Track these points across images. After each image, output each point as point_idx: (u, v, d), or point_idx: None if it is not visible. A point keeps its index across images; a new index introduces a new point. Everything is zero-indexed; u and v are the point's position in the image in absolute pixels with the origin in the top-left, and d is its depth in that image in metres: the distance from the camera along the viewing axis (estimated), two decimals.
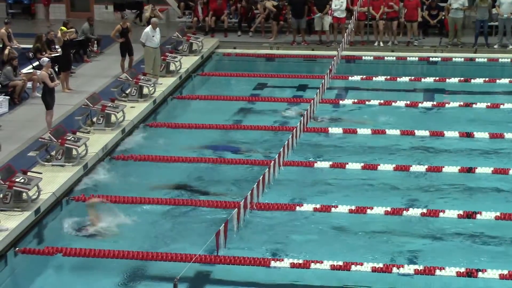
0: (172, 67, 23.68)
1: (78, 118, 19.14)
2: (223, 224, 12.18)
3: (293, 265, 13.67)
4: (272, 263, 13.72)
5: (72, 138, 17.35)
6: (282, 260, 13.80)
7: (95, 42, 26.08)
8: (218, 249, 12.09)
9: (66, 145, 17.07)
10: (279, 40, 27.38)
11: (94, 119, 19.25)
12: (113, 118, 19.35)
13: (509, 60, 25.22)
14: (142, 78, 21.53)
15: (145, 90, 21.46)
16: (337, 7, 26.77)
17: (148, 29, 22.74)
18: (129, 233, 14.86)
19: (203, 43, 26.04)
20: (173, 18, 29.82)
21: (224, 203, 15.83)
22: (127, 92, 21.36)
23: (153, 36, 22.55)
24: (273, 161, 14.67)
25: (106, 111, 19.18)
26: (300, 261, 13.72)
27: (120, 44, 23.41)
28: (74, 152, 17.27)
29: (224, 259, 13.70)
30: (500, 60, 25.30)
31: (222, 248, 12.14)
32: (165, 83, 22.68)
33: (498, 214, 15.14)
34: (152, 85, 21.67)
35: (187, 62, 24.54)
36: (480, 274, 13.27)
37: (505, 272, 13.26)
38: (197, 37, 26.21)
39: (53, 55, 23.11)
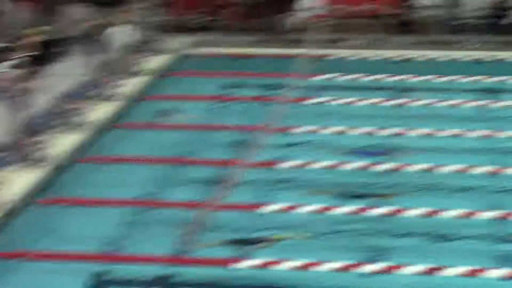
0: (142, 67, 23.60)
1: None
2: (189, 225, 12.19)
3: (255, 266, 13.67)
4: (235, 264, 13.74)
5: None
6: (245, 261, 13.81)
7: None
8: (183, 250, 12.11)
9: None
10: (249, 39, 27.27)
11: (62, 120, 19.11)
12: (82, 119, 19.18)
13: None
14: (110, 78, 21.47)
15: (114, 91, 21.36)
16: (309, 4, 26.73)
17: (116, 27, 22.66)
18: (92, 235, 14.85)
19: (172, 42, 25.95)
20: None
21: (190, 203, 15.83)
22: (95, 93, 21.21)
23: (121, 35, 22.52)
24: (240, 161, 14.68)
25: (75, 111, 19.10)
26: (263, 261, 13.74)
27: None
28: None
29: (188, 260, 13.71)
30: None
31: (187, 249, 12.15)
32: (134, 83, 22.50)
33: (461, 212, 15.23)
34: (121, 85, 21.57)
35: (157, 62, 24.48)
36: (442, 273, 13.36)
37: (467, 269, 13.37)
38: (167, 36, 26.12)
39: None
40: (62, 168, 17.24)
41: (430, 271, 13.26)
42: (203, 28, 28.07)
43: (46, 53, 24.91)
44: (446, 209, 15.20)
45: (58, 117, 18.98)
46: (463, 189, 16.42)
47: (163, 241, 14.18)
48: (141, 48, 25.11)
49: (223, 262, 13.71)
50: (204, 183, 16.96)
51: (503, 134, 19.05)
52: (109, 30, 22.67)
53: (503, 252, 14.07)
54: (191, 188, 16.82)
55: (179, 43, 26.41)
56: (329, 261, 13.59)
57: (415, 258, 13.67)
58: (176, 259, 13.65)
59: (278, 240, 14.34)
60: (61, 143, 18.02)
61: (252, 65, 25.47)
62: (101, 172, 17.62)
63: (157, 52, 25.24)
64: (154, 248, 13.97)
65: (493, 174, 16.88)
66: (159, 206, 16.03)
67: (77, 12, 30.21)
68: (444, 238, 14.66)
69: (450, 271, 13.29)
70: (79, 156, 18.12)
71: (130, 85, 22.17)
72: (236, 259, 13.80)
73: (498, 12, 25.58)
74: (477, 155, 18.03)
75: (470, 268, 13.31)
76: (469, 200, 15.96)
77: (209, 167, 17.67)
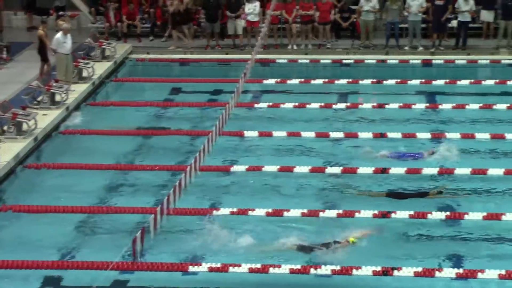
0: (85, 74, 23.37)
1: None
2: (140, 231, 12.08)
3: (211, 269, 13.63)
4: (190, 268, 13.67)
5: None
6: (200, 265, 13.76)
7: (5, 48, 25.56)
8: (135, 256, 11.98)
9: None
10: (193, 45, 27.30)
11: (5, 128, 18.86)
12: (24, 126, 19.00)
13: (419, 61, 25.67)
14: (54, 85, 21.19)
15: (58, 97, 21.13)
16: (250, 10, 26.87)
17: (59, 35, 22.39)
18: (43, 243, 14.61)
19: (116, 49, 25.79)
20: (84, 24, 29.42)
21: (140, 209, 15.70)
22: (38, 99, 20.98)
23: (64, 42, 22.23)
24: (189, 166, 14.63)
25: (17, 119, 18.83)
26: (219, 265, 13.69)
27: (42, 49, 22.96)
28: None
29: (142, 266, 13.59)
30: (410, 61, 25.72)
31: (139, 255, 12.04)
32: (78, 90, 22.36)
33: (412, 212, 15.38)
34: (65, 92, 21.34)
35: (100, 68, 24.25)
36: (395, 272, 13.46)
37: (419, 269, 13.50)
38: (109, 42, 25.96)
39: None
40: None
41: None
42: (145, 35, 27.94)
43: None
44: None
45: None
46: None
47: (112, 247, 14.02)
48: (85, 54, 24.84)
49: (177, 267, 13.63)
50: (153, 188, 16.87)
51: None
52: (52, 37, 22.37)
53: None
54: (139, 194, 16.70)
55: (123, 49, 26.22)
56: None
57: None
58: (126, 265, 13.52)
59: (353, 242, 14.30)
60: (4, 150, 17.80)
61: (197, 71, 25.44)
62: (47, 179, 17.38)
63: (101, 58, 24.99)
64: (104, 254, 13.82)
65: None
66: (108, 212, 15.88)
67: (18, 19, 29.90)
68: None
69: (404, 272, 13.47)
70: (24, 162, 17.92)
71: (75, 92, 21.90)
72: (190, 264, 13.72)
73: (440, 16, 26.04)
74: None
75: None
76: None
77: (158, 172, 17.56)
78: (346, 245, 14.24)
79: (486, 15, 27.00)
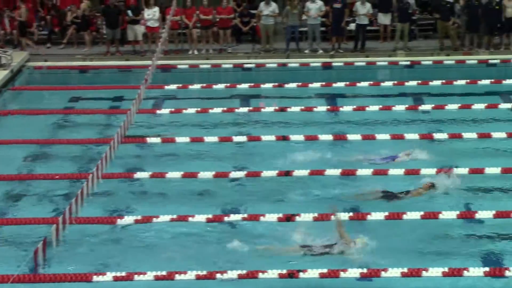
0: None
1: None
2: (41, 241, 11.83)
3: (116, 279, 13.43)
4: (95, 278, 13.44)
5: None
6: (105, 274, 13.54)
7: None
8: (36, 268, 11.72)
9: None
10: (92, 51, 26.97)
11: None
12: None
13: (319, 64, 25.95)
14: None
15: None
16: (150, 16, 26.70)
17: None
18: None
19: (12, 57, 25.24)
20: None
21: (41, 219, 15.36)
22: None
23: None
24: (91, 174, 14.42)
25: None
26: (123, 274, 13.50)
27: None
28: None
29: (44, 277, 13.29)
30: (311, 64, 25.98)
31: (41, 266, 11.78)
32: None
33: (315, 215, 15.47)
34: None
35: None
36: (301, 275, 13.52)
37: (325, 271, 13.59)
38: (5, 50, 25.40)
39: None
40: None
41: None
42: (43, 42, 27.49)
43: None
44: None
45: None
46: None
47: (13, 259, 13.69)
48: None
49: (81, 278, 13.39)
50: (55, 197, 16.55)
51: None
52: None
53: None
54: (41, 204, 16.36)
55: (19, 57, 25.71)
56: None
57: None
58: (28, 278, 13.21)
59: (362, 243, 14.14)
60: None
61: (98, 78, 25.15)
62: None
63: None
64: (4, 268, 13.47)
65: None
66: (8, 224, 15.49)
67: None
68: None
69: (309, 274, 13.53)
70: None
71: None
72: (94, 274, 13.50)
73: (339, 20, 26.42)
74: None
75: None
76: None
77: (60, 181, 17.24)
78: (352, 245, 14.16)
79: (383, 18, 27.53)
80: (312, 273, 13.41)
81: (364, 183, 16.95)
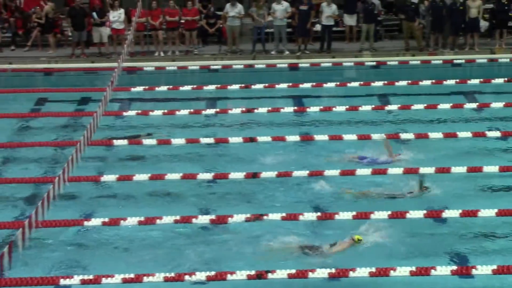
0: None
1: None
2: (7, 245, 11.72)
3: (83, 282, 13.32)
4: (62, 281, 13.32)
5: None
6: (72, 277, 13.43)
7: None
8: (2, 272, 11.61)
9: None
10: (57, 54, 26.81)
11: None
12: None
13: (286, 65, 25.99)
14: None
15: None
16: (115, 18, 26.59)
17: None
18: None
19: None
20: None
21: (7, 224, 15.21)
22: None
23: None
24: (57, 177, 14.31)
25: None
26: (91, 277, 13.39)
27: None
28: None
29: (10, 281, 13.15)
30: (277, 65, 26.02)
31: (6, 270, 11.67)
32: None
33: (284, 214, 15.47)
34: None
35: None
36: (269, 275, 13.51)
37: (293, 271, 13.59)
38: None
39: None
40: None
41: None
42: (7, 45, 27.30)
43: None
44: None
45: None
46: None
47: None
48: None
49: (48, 281, 13.29)
50: (20, 201, 16.42)
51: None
52: None
53: None
54: (6, 208, 16.22)
55: None
56: None
57: None
58: None
59: (359, 240, 14.15)
60: None
61: (63, 80, 25.00)
62: None
63: None
64: None
65: None
66: None
67: None
68: None
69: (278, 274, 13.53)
70: None
71: None
72: (61, 277, 13.39)
73: (305, 21, 26.55)
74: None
75: None
76: None
77: (26, 185, 17.09)
78: (351, 243, 14.21)
79: (349, 19, 27.66)
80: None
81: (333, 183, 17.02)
